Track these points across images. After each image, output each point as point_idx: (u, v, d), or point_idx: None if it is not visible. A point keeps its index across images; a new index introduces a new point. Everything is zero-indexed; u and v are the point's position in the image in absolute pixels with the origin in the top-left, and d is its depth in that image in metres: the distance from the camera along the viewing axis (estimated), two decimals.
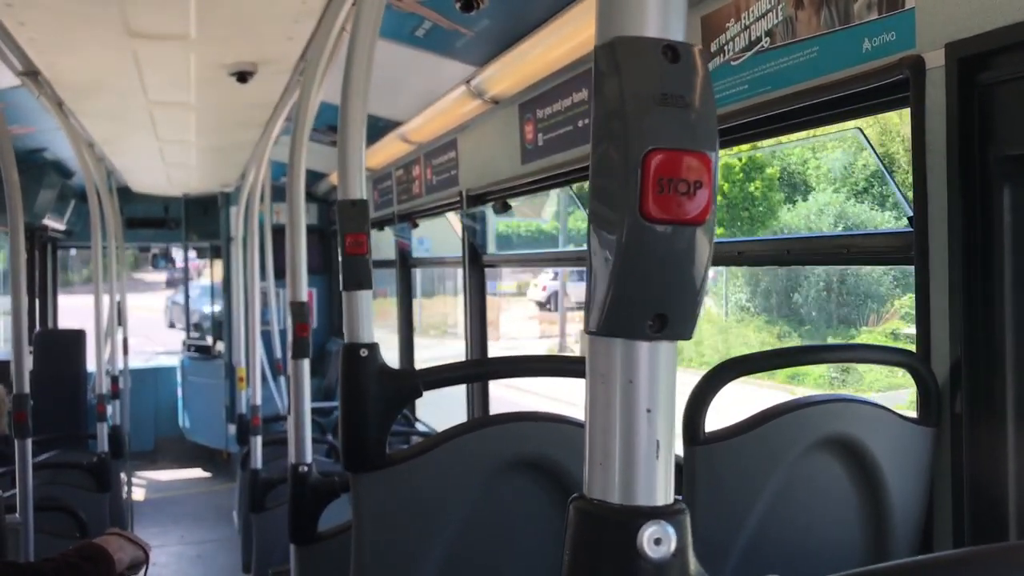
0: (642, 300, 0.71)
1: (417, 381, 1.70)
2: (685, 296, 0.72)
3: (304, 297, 2.78)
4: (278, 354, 7.08)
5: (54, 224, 8.41)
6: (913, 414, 1.82)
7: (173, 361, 10.91)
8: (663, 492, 0.72)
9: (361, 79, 1.74)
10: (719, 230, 0.80)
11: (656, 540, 0.70)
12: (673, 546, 0.71)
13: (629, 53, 0.69)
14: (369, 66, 1.73)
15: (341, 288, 1.76)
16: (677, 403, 0.75)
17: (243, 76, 3.98)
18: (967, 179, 1.69)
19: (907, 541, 1.80)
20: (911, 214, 1.85)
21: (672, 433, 0.73)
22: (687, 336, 0.72)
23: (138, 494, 8.03)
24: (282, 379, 6.93)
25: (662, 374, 0.72)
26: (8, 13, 3.10)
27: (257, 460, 4.58)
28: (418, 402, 5.88)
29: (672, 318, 0.71)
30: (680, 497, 0.75)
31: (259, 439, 4.64)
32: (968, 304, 1.70)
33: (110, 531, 2.25)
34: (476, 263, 4.79)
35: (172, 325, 19.95)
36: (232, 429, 7.22)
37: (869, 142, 2.21)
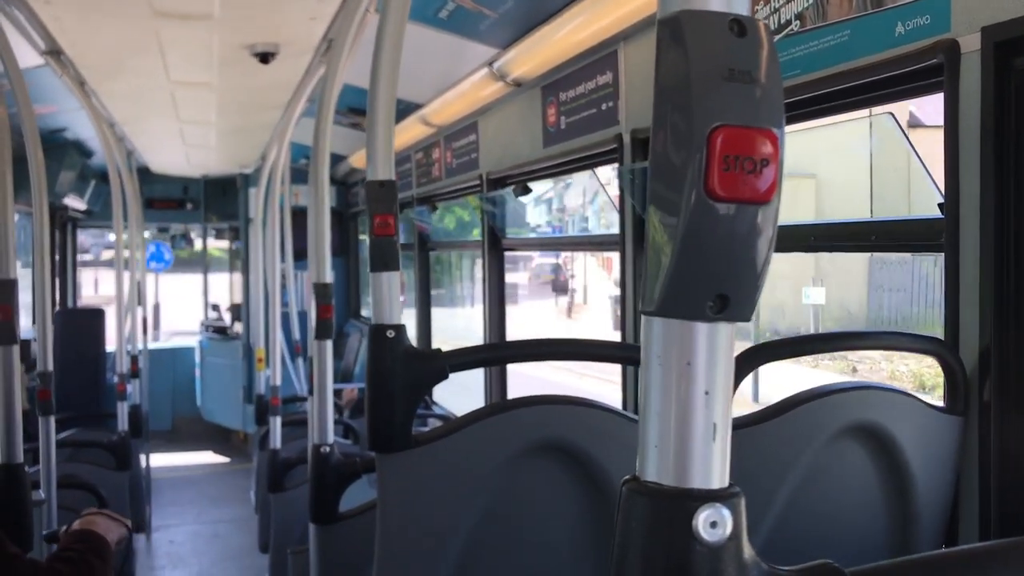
0: (704, 280, 0.69)
1: (443, 363, 1.69)
2: (748, 277, 0.70)
3: (328, 278, 2.78)
4: (296, 335, 7.10)
5: (75, 204, 8.45)
6: (940, 402, 1.81)
7: (191, 342, 10.97)
8: (719, 475, 0.71)
9: (391, 59, 1.73)
10: None
11: (712, 523, 0.70)
12: (729, 530, 0.70)
13: (695, 27, 0.68)
14: (399, 46, 1.72)
15: (369, 269, 1.75)
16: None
17: (265, 57, 3.98)
18: (1001, 166, 1.67)
19: (933, 531, 1.79)
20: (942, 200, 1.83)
21: (729, 416, 0.72)
22: (747, 318, 0.71)
23: (156, 473, 8.10)
24: (300, 360, 6.96)
25: (721, 356, 0.71)
26: None
27: (276, 440, 4.60)
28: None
29: (733, 299, 0.70)
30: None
31: (278, 419, 4.66)
32: (998, 292, 1.68)
33: (88, 511, 2.32)
34: (496, 247, 4.78)
35: None
36: (249, 410, 7.25)
37: (901, 127, 2.19)
